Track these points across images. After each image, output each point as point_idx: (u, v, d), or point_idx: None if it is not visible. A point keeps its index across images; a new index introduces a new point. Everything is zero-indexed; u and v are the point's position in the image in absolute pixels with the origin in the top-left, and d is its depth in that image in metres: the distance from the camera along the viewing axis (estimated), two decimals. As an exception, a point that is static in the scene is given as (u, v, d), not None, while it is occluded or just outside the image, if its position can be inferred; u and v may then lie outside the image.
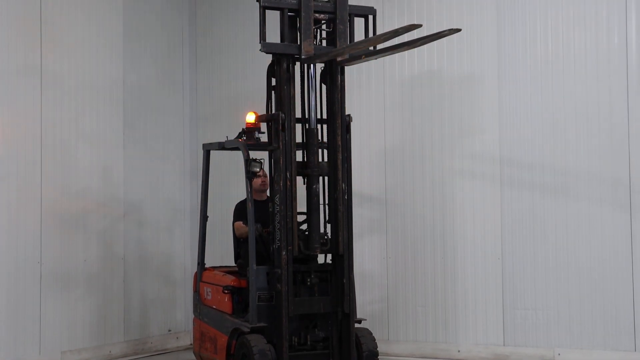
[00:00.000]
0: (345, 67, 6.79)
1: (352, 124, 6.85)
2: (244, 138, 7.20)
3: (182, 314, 9.44)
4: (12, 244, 7.54)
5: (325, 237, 6.77)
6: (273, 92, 6.85)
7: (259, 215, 6.93)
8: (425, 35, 6.06)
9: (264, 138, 7.10)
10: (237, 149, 7.17)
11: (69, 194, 8.13)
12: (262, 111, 6.99)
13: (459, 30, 5.83)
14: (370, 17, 6.90)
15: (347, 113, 6.80)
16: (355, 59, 6.64)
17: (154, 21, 9.32)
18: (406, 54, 7.72)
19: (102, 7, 8.60)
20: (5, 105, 7.56)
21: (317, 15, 6.69)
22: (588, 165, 7.33)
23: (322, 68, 6.86)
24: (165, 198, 9.33)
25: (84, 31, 8.37)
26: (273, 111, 6.82)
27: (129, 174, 8.82)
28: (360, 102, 8.32)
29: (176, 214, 9.51)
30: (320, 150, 6.82)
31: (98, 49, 8.53)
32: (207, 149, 7.67)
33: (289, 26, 6.70)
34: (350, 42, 6.77)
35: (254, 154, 6.89)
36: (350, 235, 6.75)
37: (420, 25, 5.59)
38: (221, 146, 7.35)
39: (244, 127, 7.29)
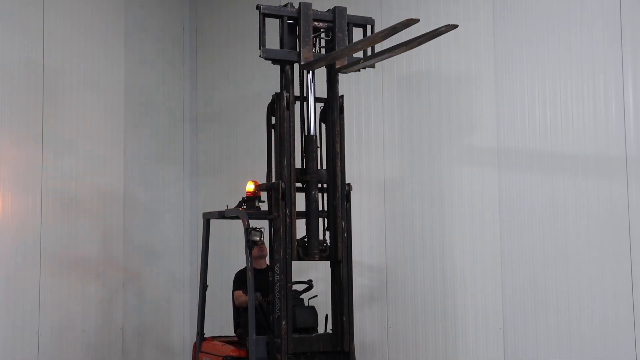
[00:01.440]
0: (345, 108, 6.91)
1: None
2: (244, 207, 7.21)
3: (182, 385, 9.34)
4: (10, 314, 7.50)
5: (325, 244, 6.78)
6: (273, 130, 6.89)
7: (259, 284, 6.90)
8: (422, 33, 6.02)
9: (264, 207, 7.11)
10: (237, 218, 7.17)
11: (68, 263, 8.10)
12: (263, 179, 7.01)
13: (455, 26, 5.82)
14: (369, 27, 7.02)
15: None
16: (353, 64, 6.73)
17: (154, 92, 9.40)
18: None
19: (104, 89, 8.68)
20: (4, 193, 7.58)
21: (316, 23, 6.83)
22: (588, 236, 7.31)
23: (322, 107, 6.96)
24: (164, 267, 9.30)
25: (86, 104, 8.44)
26: (273, 179, 6.84)
27: (128, 244, 8.81)
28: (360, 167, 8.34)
29: (175, 284, 9.47)
30: (319, 157, 6.89)
31: (99, 122, 8.58)
32: (207, 218, 7.67)
33: (289, 34, 6.81)
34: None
35: (254, 223, 6.88)
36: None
37: (417, 20, 5.61)
38: (221, 215, 7.35)
39: (244, 196, 7.31)
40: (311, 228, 6.79)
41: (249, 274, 6.83)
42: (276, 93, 6.80)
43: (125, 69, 8.93)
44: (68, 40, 8.22)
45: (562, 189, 7.45)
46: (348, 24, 6.94)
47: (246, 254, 6.89)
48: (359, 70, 7.12)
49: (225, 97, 9.68)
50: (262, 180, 7.11)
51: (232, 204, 7.44)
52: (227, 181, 9.42)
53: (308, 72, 6.91)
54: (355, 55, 6.82)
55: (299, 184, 6.84)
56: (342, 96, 6.97)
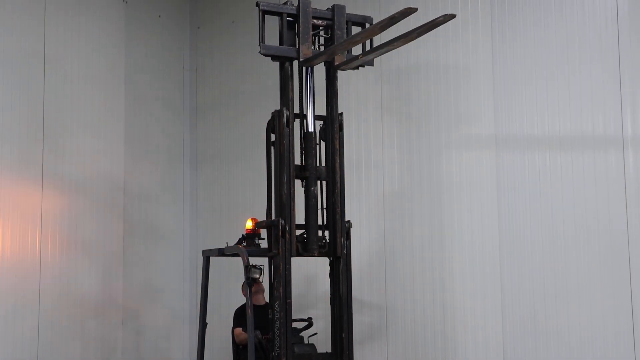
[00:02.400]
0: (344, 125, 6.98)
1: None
2: (244, 244, 7.21)
3: None
4: (9, 352, 7.46)
5: (324, 240, 6.80)
6: (272, 147, 6.92)
7: (259, 321, 6.88)
8: (420, 25, 6.02)
9: (264, 244, 7.11)
10: (237, 255, 7.17)
11: (67, 300, 8.08)
12: (263, 216, 7.02)
13: (453, 16, 5.83)
14: (367, 25, 7.08)
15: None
16: (351, 60, 6.77)
17: (154, 130, 9.43)
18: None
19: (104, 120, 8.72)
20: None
21: (315, 21, 6.91)
22: (588, 269, 7.30)
23: (322, 125, 7.00)
24: (164, 304, 9.27)
25: (86, 143, 8.46)
26: (273, 216, 6.84)
27: (127, 281, 8.79)
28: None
29: (175, 321, 9.44)
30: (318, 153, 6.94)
31: (100, 160, 8.60)
32: (207, 255, 7.66)
33: (288, 31, 6.89)
34: (347, 50, 6.96)
35: (253, 260, 6.88)
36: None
37: (415, 9, 5.59)
38: (221, 252, 7.35)
39: (244, 233, 7.31)
40: (310, 224, 6.82)
41: (249, 312, 6.81)
42: (276, 110, 6.85)
43: (125, 107, 8.97)
44: (69, 78, 8.27)
45: (562, 223, 7.45)
46: (347, 22, 7.03)
47: (246, 291, 6.88)
48: (357, 68, 7.15)
49: (225, 135, 9.71)
50: (262, 217, 7.12)
51: (232, 241, 7.44)
52: (226, 218, 9.42)
53: (307, 69, 6.99)
54: (354, 55, 6.86)
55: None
56: (341, 113, 7.03)
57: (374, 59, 7.08)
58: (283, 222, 6.63)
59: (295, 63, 6.97)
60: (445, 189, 8.13)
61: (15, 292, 7.53)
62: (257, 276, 6.84)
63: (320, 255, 6.83)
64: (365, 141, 8.68)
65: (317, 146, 6.95)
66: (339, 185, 6.87)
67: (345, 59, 6.86)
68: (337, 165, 6.89)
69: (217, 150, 9.78)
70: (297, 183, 6.84)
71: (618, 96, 7.27)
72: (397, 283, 8.33)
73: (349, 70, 7.31)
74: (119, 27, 8.94)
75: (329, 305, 7.02)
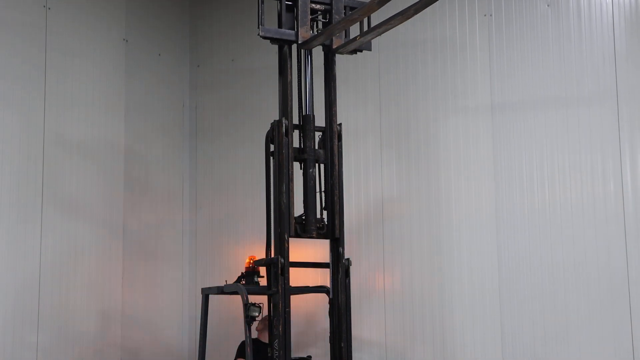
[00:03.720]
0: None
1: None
2: (243, 282, 7.19)
3: None
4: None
5: (322, 222, 6.84)
6: (272, 157, 6.94)
7: (262, 358, 6.85)
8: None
9: (263, 282, 7.09)
10: (236, 293, 7.15)
11: (65, 339, 8.04)
12: (262, 254, 7.00)
13: None
14: None
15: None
16: (350, 42, 6.83)
17: (154, 167, 9.44)
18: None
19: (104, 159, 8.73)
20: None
21: (313, 5, 6.99)
22: (588, 313, 7.27)
23: (320, 136, 7.04)
24: (163, 343, 9.22)
25: (86, 183, 8.46)
26: (272, 254, 6.84)
27: (126, 319, 8.75)
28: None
29: (174, 359, 9.38)
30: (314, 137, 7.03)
31: (99, 199, 8.59)
32: (206, 293, 7.64)
33: (286, 15, 6.96)
34: (346, 34, 7.06)
35: (253, 299, 6.86)
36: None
37: None
38: (220, 290, 7.33)
39: (243, 271, 7.30)
40: (308, 205, 6.87)
41: (248, 350, 6.78)
42: (275, 120, 6.88)
43: (125, 145, 8.99)
44: (68, 116, 8.29)
45: (562, 263, 7.44)
46: (345, 7, 7.08)
47: (245, 329, 6.85)
48: (355, 52, 7.18)
49: (225, 172, 9.72)
50: (261, 255, 7.11)
51: (231, 279, 7.42)
52: (226, 256, 9.40)
53: (306, 52, 7.07)
54: (352, 38, 6.90)
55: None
56: (340, 124, 7.07)
57: (372, 48, 7.19)
58: (282, 260, 6.62)
59: (294, 51, 7.05)
60: (444, 231, 8.13)
61: (14, 332, 7.49)
62: (257, 314, 6.81)
63: (319, 236, 6.88)
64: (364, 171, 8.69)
65: (315, 132, 7.04)
66: (337, 168, 6.95)
67: (343, 42, 6.95)
68: (335, 148, 6.96)
69: (216, 186, 9.78)
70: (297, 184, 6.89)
71: (616, 135, 7.30)
72: (397, 323, 8.29)
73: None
74: (119, 65, 8.99)
75: (329, 344, 6.99)
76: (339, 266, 6.88)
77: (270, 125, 6.95)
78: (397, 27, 8.41)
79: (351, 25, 6.65)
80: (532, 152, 7.74)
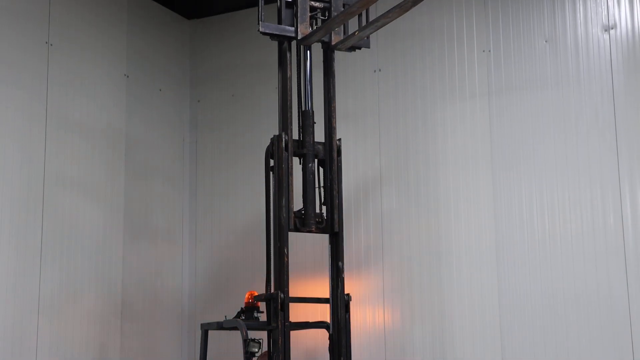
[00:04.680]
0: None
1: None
2: (243, 317, 7.16)
3: None
4: None
5: (321, 216, 6.90)
6: (271, 172, 6.97)
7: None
8: None
9: (263, 317, 7.06)
10: (235, 328, 7.12)
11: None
12: (262, 289, 6.99)
13: None
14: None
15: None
16: (349, 37, 6.90)
17: (154, 202, 9.45)
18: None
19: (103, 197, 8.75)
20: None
21: (312, 3, 7.08)
22: (590, 345, 7.25)
23: (320, 158, 7.04)
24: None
25: (85, 217, 8.47)
26: (272, 289, 6.82)
27: (125, 355, 8.70)
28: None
29: (172, 397, 9.33)
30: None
31: (99, 232, 8.59)
32: (205, 329, 7.61)
33: (286, 12, 7.03)
34: (345, 31, 7.12)
35: (252, 334, 6.83)
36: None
37: None
38: (219, 326, 7.30)
39: (243, 306, 7.27)
40: (308, 199, 6.91)
41: (247, 387, 6.75)
42: (275, 135, 6.91)
43: (126, 180, 9.00)
44: (69, 151, 8.31)
45: (562, 297, 7.43)
46: (344, 5, 7.12)
47: (248, 362, 6.82)
48: (354, 50, 7.23)
49: (224, 209, 9.72)
50: (261, 290, 7.09)
51: (231, 314, 7.39)
52: (225, 292, 9.38)
53: (305, 49, 7.14)
54: (351, 33, 6.96)
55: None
56: (339, 139, 7.09)
57: (372, 50, 7.38)
58: (282, 296, 6.60)
59: (294, 48, 7.11)
60: (444, 265, 8.12)
61: (12, 352, 7.46)
62: (256, 350, 6.78)
63: (318, 231, 6.92)
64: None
65: (314, 124, 7.11)
66: (335, 163, 7.01)
67: (342, 37, 7.03)
68: (334, 143, 7.01)
69: (216, 222, 9.78)
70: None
71: (615, 169, 7.33)
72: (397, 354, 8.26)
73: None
74: (119, 101, 9.02)
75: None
76: (339, 301, 6.87)
77: (270, 141, 7.00)
78: (397, 70, 8.53)
79: (350, 18, 6.73)
80: (531, 186, 7.76)
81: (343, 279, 6.93)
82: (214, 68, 9.99)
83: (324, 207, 7.03)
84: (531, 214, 7.72)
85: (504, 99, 7.99)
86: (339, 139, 7.08)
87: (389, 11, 6.34)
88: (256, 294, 7.12)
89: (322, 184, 7.06)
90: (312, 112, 7.13)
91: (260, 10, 6.92)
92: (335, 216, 6.94)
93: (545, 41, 7.87)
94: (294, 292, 6.85)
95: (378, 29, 6.71)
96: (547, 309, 7.51)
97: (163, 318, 9.35)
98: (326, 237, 7.04)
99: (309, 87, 7.18)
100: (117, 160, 8.94)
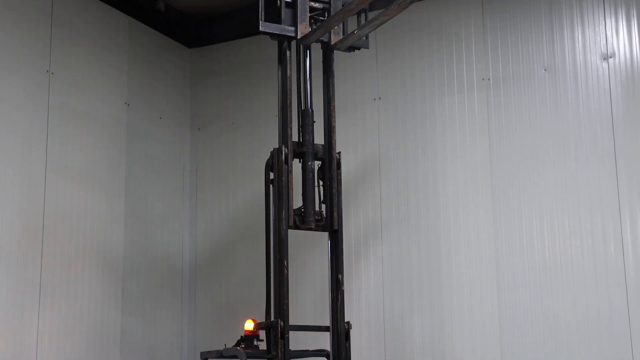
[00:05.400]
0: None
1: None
2: (243, 346, 7.13)
3: None
4: None
5: (321, 214, 6.95)
6: (271, 185, 7.01)
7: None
8: None
9: (262, 345, 7.03)
10: (235, 357, 7.09)
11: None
12: (262, 317, 6.97)
13: None
14: (363, 10, 7.25)
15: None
16: (348, 37, 6.96)
17: (154, 231, 9.44)
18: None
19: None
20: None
21: (312, 3, 7.16)
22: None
23: (319, 165, 7.10)
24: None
25: (85, 253, 8.46)
26: (272, 316, 6.80)
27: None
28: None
29: None
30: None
31: (98, 269, 8.58)
32: (205, 357, 7.57)
33: (286, 11, 7.10)
34: (344, 32, 7.17)
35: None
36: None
37: None
38: (219, 354, 7.26)
39: (243, 335, 7.24)
40: (307, 197, 6.95)
41: (247, 416, 6.71)
42: (275, 148, 6.96)
43: (126, 207, 9.00)
44: (70, 179, 8.32)
45: (564, 325, 7.41)
46: (343, 6, 7.14)
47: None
48: (352, 50, 7.27)
49: (224, 236, 9.72)
50: (261, 318, 7.07)
51: (231, 343, 7.36)
52: (225, 320, 9.35)
53: (305, 48, 7.20)
54: (350, 32, 7.02)
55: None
56: (339, 152, 7.13)
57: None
58: (282, 324, 6.58)
59: (293, 48, 7.16)
60: (445, 290, 8.10)
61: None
62: (257, 379, 6.75)
63: (318, 229, 6.95)
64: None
65: (314, 123, 7.15)
66: (335, 161, 7.07)
67: (342, 37, 7.09)
68: (334, 142, 7.09)
69: (216, 251, 9.77)
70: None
71: (615, 197, 7.33)
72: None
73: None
74: (120, 128, 9.04)
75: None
76: (339, 329, 6.84)
77: (270, 154, 7.05)
78: (397, 98, 8.57)
79: (349, 16, 6.78)
80: (532, 213, 7.76)
81: (343, 291, 6.91)
82: (214, 96, 10.03)
83: (323, 208, 7.10)
84: (531, 241, 7.72)
85: (503, 127, 8.02)
86: (339, 152, 7.11)
87: (387, 9, 6.40)
88: (256, 322, 7.09)
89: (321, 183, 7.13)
90: (312, 111, 7.20)
91: (260, 9, 6.99)
92: (335, 214, 6.99)
93: (545, 69, 7.91)
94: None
95: (377, 27, 6.77)
96: (548, 336, 7.49)
97: (163, 346, 9.32)
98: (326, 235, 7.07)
99: (308, 87, 7.27)
100: (117, 186, 8.95)
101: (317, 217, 6.99)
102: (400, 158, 8.52)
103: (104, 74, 8.92)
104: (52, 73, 8.22)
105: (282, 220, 6.76)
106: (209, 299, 9.68)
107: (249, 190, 9.36)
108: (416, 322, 8.19)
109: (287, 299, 6.66)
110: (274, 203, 6.96)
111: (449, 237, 8.11)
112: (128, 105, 9.20)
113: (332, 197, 7.01)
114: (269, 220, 7.10)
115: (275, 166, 6.94)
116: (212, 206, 9.84)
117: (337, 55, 7.29)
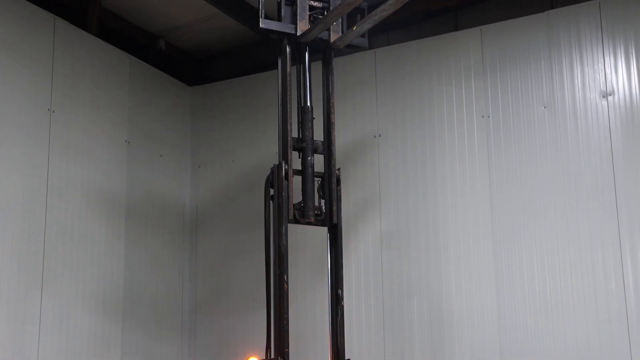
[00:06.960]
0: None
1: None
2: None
3: None
4: None
5: (320, 209, 6.98)
6: (271, 201, 7.03)
7: None
8: None
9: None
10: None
11: None
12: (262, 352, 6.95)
13: None
14: (363, 11, 7.30)
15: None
16: (347, 34, 7.00)
17: (154, 268, 9.43)
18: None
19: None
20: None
21: (312, 2, 7.24)
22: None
23: (320, 181, 7.12)
24: None
25: (85, 287, 8.44)
26: (272, 352, 6.77)
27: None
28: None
29: None
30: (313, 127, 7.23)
31: (98, 299, 8.56)
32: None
33: (285, 9, 7.18)
34: (343, 31, 7.23)
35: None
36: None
37: None
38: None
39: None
40: (307, 191, 7.00)
41: None
42: (275, 164, 6.99)
43: (126, 245, 8.99)
44: (70, 216, 8.32)
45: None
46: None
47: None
48: (352, 49, 7.34)
49: (224, 274, 9.70)
50: (262, 354, 7.04)
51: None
52: (225, 357, 9.30)
53: (305, 46, 7.25)
54: (349, 30, 7.05)
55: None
56: (339, 169, 7.15)
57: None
58: (283, 360, 6.56)
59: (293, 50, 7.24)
60: (446, 328, 8.08)
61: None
62: (257, 416, 6.71)
63: (317, 223, 6.98)
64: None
65: (313, 120, 7.22)
66: (334, 156, 7.12)
67: (341, 35, 7.16)
68: (333, 138, 7.14)
69: (216, 289, 9.75)
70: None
71: (616, 233, 7.33)
72: None
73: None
74: (121, 166, 9.06)
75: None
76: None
77: (270, 170, 7.08)
78: (397, 136, 8.60)
79: (348, 10, 6.80)
80: (532, 251, 7.75)
81: (342, 306, 6.89)
82: (215, 134, 10.06)
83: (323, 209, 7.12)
84: (532, 278, 7.71)
85: (503, 165, 8.04)
86: (339, 169, 7.16)
87: (385, 4, 6.44)
88: (258, 358, 7.06)
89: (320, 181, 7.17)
90: (311, 107, 7.26)
91: (260, 7, 7.07)
92: (334, 208, 7.02)
93: (544, 107, 7.95)
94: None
95: (376, 23, 6.79)
96: (550, 374, 7.45)
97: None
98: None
99: (308, 84, 7.33)
100: (117, 223, 8.95)
101: (316, 212, 7.04)
102: (400, 195, 8.52)
103: (104, 112, 8.96)
104: (53, 111, 8.26)
105: (282, 235, 6.78)
106: (209, 336, 9.64)
107: (252, 228, 9.35)
108: (416, 344, 8.16)
109: (288, 337, 6.63)
110: (273, 219, 6.99)
111: (450, 276, 8.10)
112: (129, 142, 9.23)
113: (332, 192, 7.06)
114: (269, 236, 7.14)
115: (276, 182, 6.98)
116: (213, 243, 9.83)
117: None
